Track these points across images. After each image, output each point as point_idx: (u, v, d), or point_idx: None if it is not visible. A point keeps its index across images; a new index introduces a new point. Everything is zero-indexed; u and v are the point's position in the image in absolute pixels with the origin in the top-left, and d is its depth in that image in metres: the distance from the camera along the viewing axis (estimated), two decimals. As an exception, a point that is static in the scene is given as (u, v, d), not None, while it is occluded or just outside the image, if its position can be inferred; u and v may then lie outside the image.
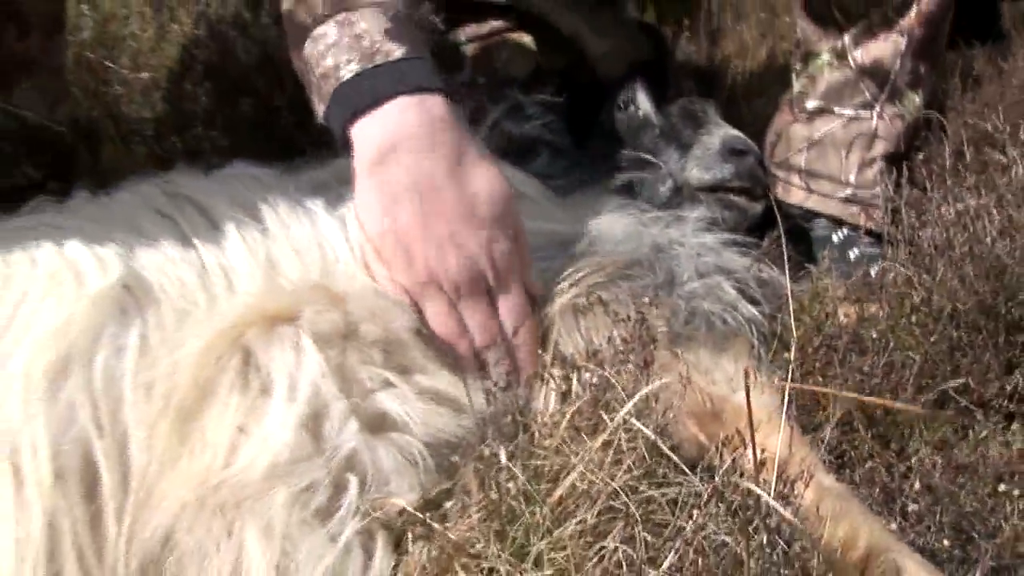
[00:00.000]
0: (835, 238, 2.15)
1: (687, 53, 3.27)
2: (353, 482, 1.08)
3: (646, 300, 1.22)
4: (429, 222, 1.28)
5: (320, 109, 1.39)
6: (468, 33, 2.44)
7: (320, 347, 1.14)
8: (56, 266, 1.17)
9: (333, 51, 1.35)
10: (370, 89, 1.32)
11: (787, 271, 1.42)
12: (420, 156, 1.29)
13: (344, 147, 1.35)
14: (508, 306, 1.32)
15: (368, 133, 1.31)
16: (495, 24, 2.40)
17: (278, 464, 1.05)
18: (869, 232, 2.11)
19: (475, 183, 1.32)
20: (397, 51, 1.34)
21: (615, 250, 1.40)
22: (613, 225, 1.49)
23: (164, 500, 1.05)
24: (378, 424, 1.14)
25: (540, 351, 1.29)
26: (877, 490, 1.28)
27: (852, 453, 1.35)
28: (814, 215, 2.15)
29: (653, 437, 0.95)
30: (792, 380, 1.22)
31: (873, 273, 1.89)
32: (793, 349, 1.08)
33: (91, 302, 1.13)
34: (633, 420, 0.96)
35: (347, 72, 1.33)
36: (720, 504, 0.97)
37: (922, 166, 1.99)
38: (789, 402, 1.23)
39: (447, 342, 1.27)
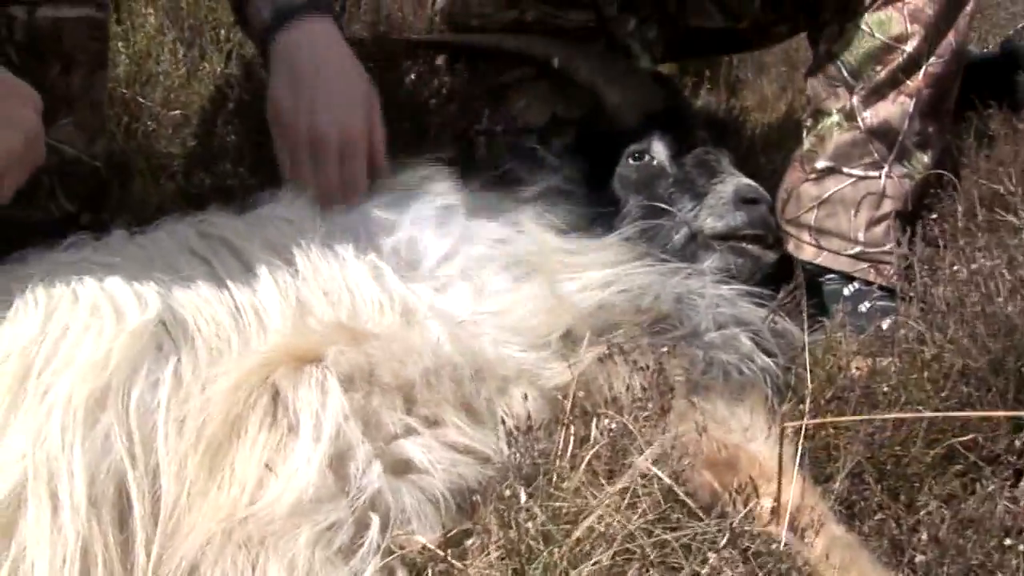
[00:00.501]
0: (846, 292, 2.18)
1: (707, 104, 3.32)
2: (375, 521, 1.11)
3: (665, 350, 1.25)
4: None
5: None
6: (486, 83, 2.51)
7: (345, 388, 1.18)
8: (97, 301, 1.22)
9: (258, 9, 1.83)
10: (279, 21, 1.79)
11: (805, 325, 1.44)
12: (314, 55, 1.76)
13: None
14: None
15: (279, 53, 1.80)
16: (513, 74, 2.46)
17: (303, 502, 1.09)
18: (879, 287, 2.15)
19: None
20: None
21: (638, 302, 1.43)
22: (633, 275, 1.52)
23: (192, 532, 1.09)
24: (402, 468, 1.17)
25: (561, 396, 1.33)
26: (886, 541, 1.30)
27: (862, 504, 1.37)
28: (825, 270, 2.19)
29: (669, 482, 0.97)
30: (805, 431, 1.25)
31: (884, 326, 1.92)
32: (808, 400, 1.10)
33: (130, 337, 1.17)
34: (650, 466, 0.99)
35: (266, 16, 1.81)
36: (733, 550, 1.00)
37: (934, 224, 2.03)
38: (802, 454, 1.25)
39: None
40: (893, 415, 1.28)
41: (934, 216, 2.07)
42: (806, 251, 2.20)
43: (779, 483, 0.92)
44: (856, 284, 2.17)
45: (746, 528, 1.00)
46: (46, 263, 1.31)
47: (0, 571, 1.03)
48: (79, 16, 1.73)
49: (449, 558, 1.04)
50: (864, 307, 2.14)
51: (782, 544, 0.97)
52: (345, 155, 1.73)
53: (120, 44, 2.55)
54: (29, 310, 1.20)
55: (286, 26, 1.78)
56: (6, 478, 1.07)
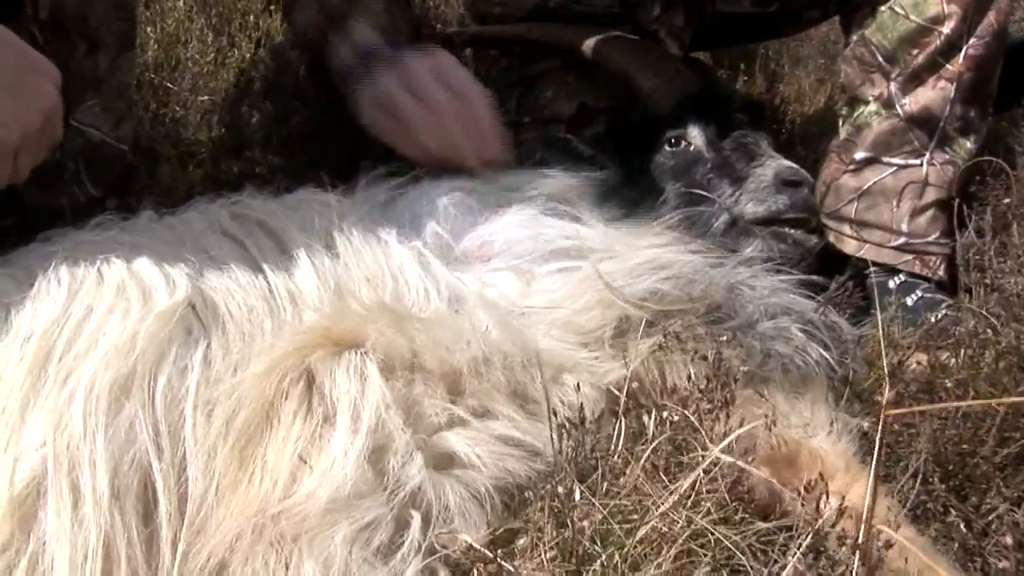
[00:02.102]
0: (891, 284, 2.10)
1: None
2: (416, 518, 1.04)
3: (724, 339, 1.18)
4: None
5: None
6: (510, 73, 2.45)
7: (385, 376, 1.11)
8: (123, 282, 1.16)
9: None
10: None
11: (880, 318, 1.36)
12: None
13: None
14: None
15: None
16: (540, 65, 2.39)
17: (339, 498, 1.02)
18: (925, 278, 2.07)
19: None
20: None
21: (689, 290, 1.36)
22: (680, 264, 1.44)
23: (220, 527, 1.02)
24: (445, 462, 1.10)
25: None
26: (956, 545, 1.22)
27: (928, 506, 1.29)
28: (868, 263, 2.11)
29: (758, 475, 0.89)
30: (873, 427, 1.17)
31: (934, 319, 1.84)
32: (887, 392, 1.02)
33: (157, 320, 1.11)
34: (725, 457, 0.91)
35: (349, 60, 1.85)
36: (804, 552, 0.92)
37: (984, 212, 1.94)
38: (869, 452, 1.18)
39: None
40: (989, 401, 1.18)
41: (986, 203, 1.98)
42: (848, 244, 2.13)
43: (872, 484, 0.84)
44: (902, 276, 2.09)
45: (816, 528, 0.92)
46: (70, 242, 1.25)
47: (18, 567, 0.97)
48: None
49: (498, 559, 0.97)
50: (911, 300, 2.06)
51: (856, 546, 0.88)
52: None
53: (148, 29, 2.52)
54: (52, 289, 1.14)
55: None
56: (25, 467, 1.01)
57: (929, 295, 2.04)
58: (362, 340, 1.13)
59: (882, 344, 1.19)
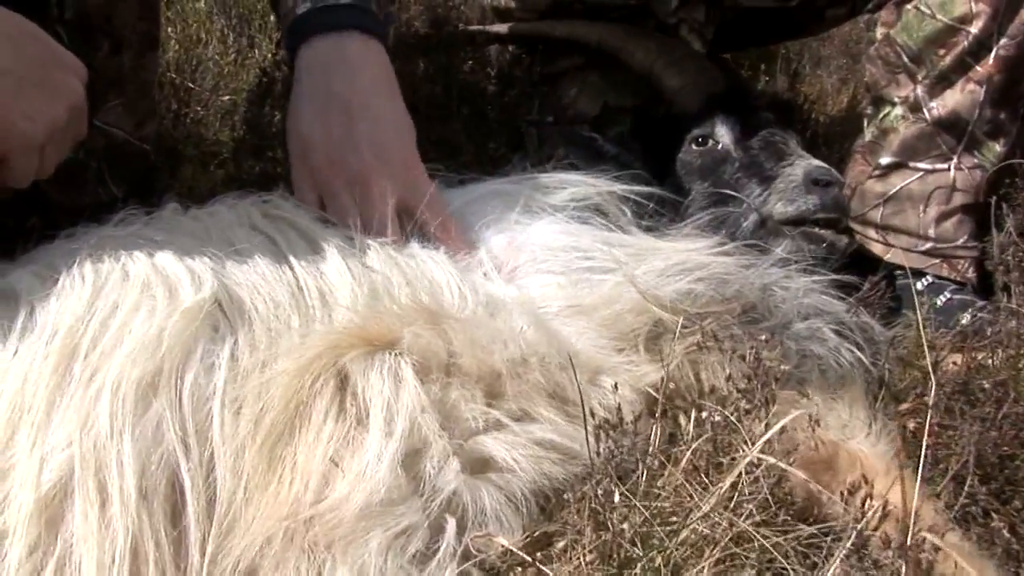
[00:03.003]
0: (919, 286, 2.07)
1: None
2: (451, 523, 1.01)
3: (763, 339, 1.15)
4: (352, 133, 1.48)
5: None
6: (533, 72, 2.42)
7: (421, 378, 1.08)
8: (148, 278, 1.14)
9: None
10: (318, 21, 1.57)
11: (919, 319, 1.34)
12: (355, 75, 1.53)
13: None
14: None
15: (312, 51, 1.55)
16: (563, 64, 2.37)
17: (373, 504, 0.99)
18: (954, 281, 2.04)
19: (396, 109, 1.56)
20: None
21: (722, 291, 1.33)
22: (712, 264, 1.42)
23: (250, 530, 1.00)
24: (481, 466, 1.07)
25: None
26: (999, 550, 1.19)
27: (972, 509, 1.26)
28: (896, 267, 2.08)
29: (801, 476, 0.86)
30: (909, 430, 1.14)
31: (967, 319, 1.82)
32: (932, 393, 0.99)
33: (183, 317, 1.09)
34: (766, 458, 0.88)
35: (301, 8, 1.58)
36: (847, 555, 0.89)
37: (1018, 213, 1.91)
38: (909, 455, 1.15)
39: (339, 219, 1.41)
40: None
41: (1017, 205, 1.94)
42: (874, 248, 2.10)
43: (918, 487, 0.81)
44: (929, 277, 2.06)
45: (861, 531, 0.89)
46: (95, 238, 1.23)
47: (46, 569, 0.95)
48: None
49: (536, 562, 0.94)
50: (941, 300, 2.03)
51: (902, 550, 0.85)
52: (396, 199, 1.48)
53: (169, 30, 2.51)
54: (76, 287, 1.12)
55: (321, 34, 1.57)
56: (51, 467, 1.00)
57: (959, 296, 2.02)
58: (397, 341, 1.11)
59: (925, 346, 1.15)
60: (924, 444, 0.91)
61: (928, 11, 1.96)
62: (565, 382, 1.13)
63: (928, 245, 2.04)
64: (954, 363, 1.54)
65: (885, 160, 2.07)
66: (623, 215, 1.60)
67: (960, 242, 2.02)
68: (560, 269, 1.39)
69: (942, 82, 1.98)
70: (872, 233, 2.09)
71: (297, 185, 1.52)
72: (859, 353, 1.45)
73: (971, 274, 2.03)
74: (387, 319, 1.12)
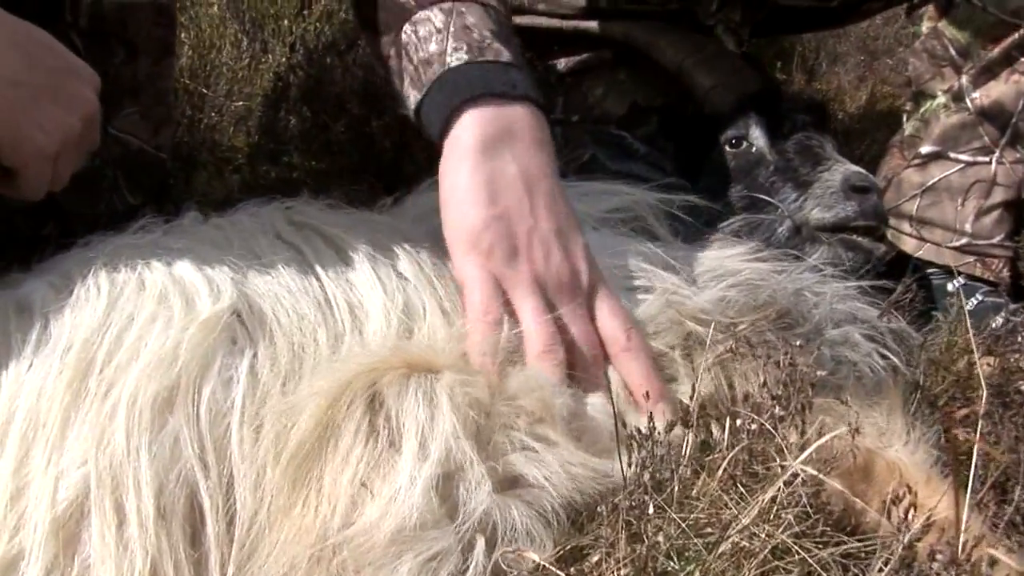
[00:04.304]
0: (950, 287, 2.03)
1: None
2: (480, 542, 0.97)
3: (798, 344, 1.11)
4: (537, 214, 1.22)
5: (412, 95, 1.34)
6: (559, 67, 2.37)
7: (456, 405, 1.04)
8: (165, 289, 1.11)
9: (438, 37, 1.32)
10: (482, 80, 1.27)
11: (967, 322, 1.29)
12: (530, 150, 1.26)
13: (438, 133, 1.29)
14: (607, 312, 1.22)
15: (477, 120, 1.25)
16: (587, 57, 2.32)
17: (405, 528, 0.95)
18: (986, 281, 1.99)
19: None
20: (506, 54, 1.31)
21: (755, 297, 1.29)
22: (745, 270, 1.38)
23: (273, 554, 0.96)
24: (511, 483, 1.04)
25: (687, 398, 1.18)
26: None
27: (1014, 518, 1.22)
28: (928, 264, 2.04)
29: (839, 488, 0.83)
30: (951, 436, 1.10)
31: (995, 324, 1.77)
32: (983, 402, 0.96)
33: (200, 329, 1.06)
34: (807, 469, 0.85)
35: (455, 59, 1.29)
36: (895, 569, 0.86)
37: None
38: (948, 463, 1.11)
39: (541, 348, 1.16)
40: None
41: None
42: (906, 243, 2.06)
43: (967, 498, 0.77)
44: (961, 279, 2.02)
45: (913, 544, 0.86)
46: (111, 247, 1.20)
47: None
48: (144, 1, 1.63)
49: (569, 577, 0.91)
50: (972, 303, 1.98)
51: (960, 565, 0.82)
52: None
53: (182, 35, 2.50)
54: (91, 297, 1.09)
55: (487, 103, 1.27)
56: (67, 486, 0.97)
57: (991, 299, 1.98)
58: (436, 368, 1.07)
59: (975, 349, 1.12)
60: (975, 452, 0.88)
61: (980, 4, 1.92)
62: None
63: (963, 240, 2.00)
64: (987, 364, 1.51)
65: (925, 149, 2.03)
66: (662, 226, 1.56)
67: (997, 240, 1.98)
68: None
69: (986, 73, 1.95)
70: (906, 226, 2.05)
71: (456, 257, 1.25)
72: (894, 359, 1.42)
73: (1005, 274, 1.98)
74: (429, 349, 1.09)
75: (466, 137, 1.25)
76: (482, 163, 1.23)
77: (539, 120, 1.29)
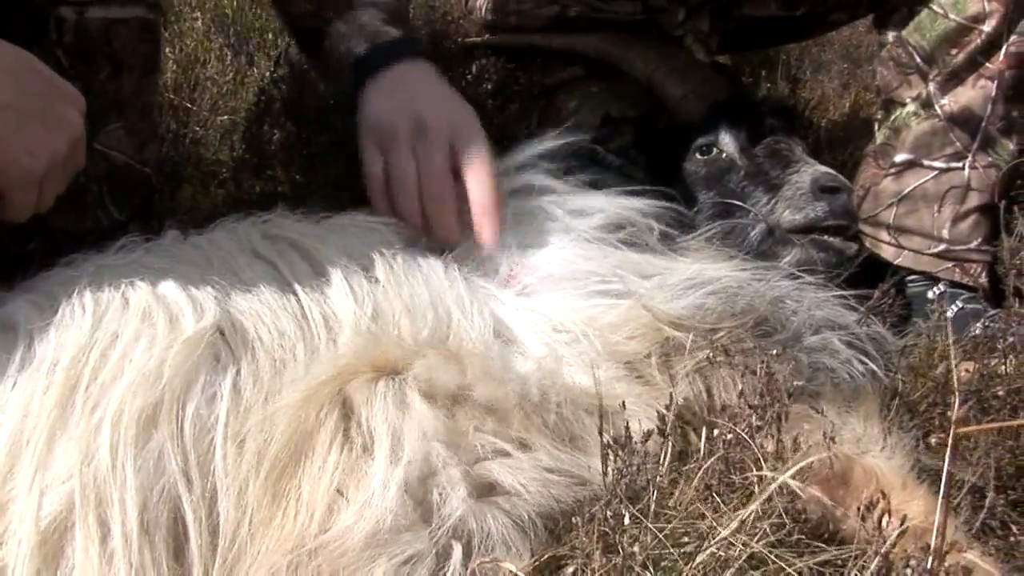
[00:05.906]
0: (930, 294, 2.04)
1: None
2: (457, 549, 0.99)
3: (774, 353, 1.13)
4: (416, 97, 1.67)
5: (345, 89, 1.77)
6: (534, 84, 2.40)
7: (429, 405, 1.06)
8: (149, 307, 1.12)
9: (344, 40, 1.77)
10: (381, 57, 1.72)
11: (948, 328, 1.30)
12: (421, 84, 1.70)
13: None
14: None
15: (378, 81, 1.69)
16: (561, 75, 2.35)
17: (379, 532, 0.97)
18: (966, 287, 2.01)
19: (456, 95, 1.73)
20: (395, 32, 1.76)
21: (732, 304, 1.31)
22: (722, 277, 1.40)
23: (255, 564, 0.97)
24: (487, 490, 1.05)
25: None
26: (1021, 563, 1.17)
27: (990, 522, 1.23)
28: (906, 271, 2.06)
29: (818, 496, 0.84)
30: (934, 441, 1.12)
31: (979, 328, 1.79)
32: (956, 406, 0.97)
33: (184, 346, 1.07)
34: (792, 483, 0.86)
35: (360, 48, 1.74)
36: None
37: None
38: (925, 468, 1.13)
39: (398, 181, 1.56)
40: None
41: (1024, 206, 1.92)
42: (885, 251, 2.07)
43: (942, 504, 0.78)
44: (941, 286, 2.03)
45: (889, 552, 0.87)
46: (94, 266, 1.21)
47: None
48: (129, 17, 1.65)
49: (546, 589, 0.92)
50: (952, 310, 1.99)
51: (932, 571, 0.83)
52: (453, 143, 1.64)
53: (167, 50, 2.50)
54: (76, 316, 1.10)
55: (385, 65, 1.72)
56: (52, 501, 0.98)
57: (971, 305, 1.98)
58: (404, 368, 1.08)
59: (952, 357, 1.13)
60: (947, 458, 0.89)
61: (941, 11, 1.94)
62: (572, 418, 1.10)
63: (941, 247, 2.00)
64: (966, 371, 1.52)
65: (899, 158, 2.04)
66: (649, 234, 1.58)
67: (974, 244, 1.99)
68: (573, 291, 1.37)
69: (954, 79, 1.96)
70: (884, 235, 2.06)
71: (362, 146, 1.68)
72: (872, 365, 1.43)
73: (983, 279, 2.00)
74: (394, 348, 1.10)
75: (368, 88, 1.71)
76: (379, 92, 1.69)
77: (427, 68, 1.75)
